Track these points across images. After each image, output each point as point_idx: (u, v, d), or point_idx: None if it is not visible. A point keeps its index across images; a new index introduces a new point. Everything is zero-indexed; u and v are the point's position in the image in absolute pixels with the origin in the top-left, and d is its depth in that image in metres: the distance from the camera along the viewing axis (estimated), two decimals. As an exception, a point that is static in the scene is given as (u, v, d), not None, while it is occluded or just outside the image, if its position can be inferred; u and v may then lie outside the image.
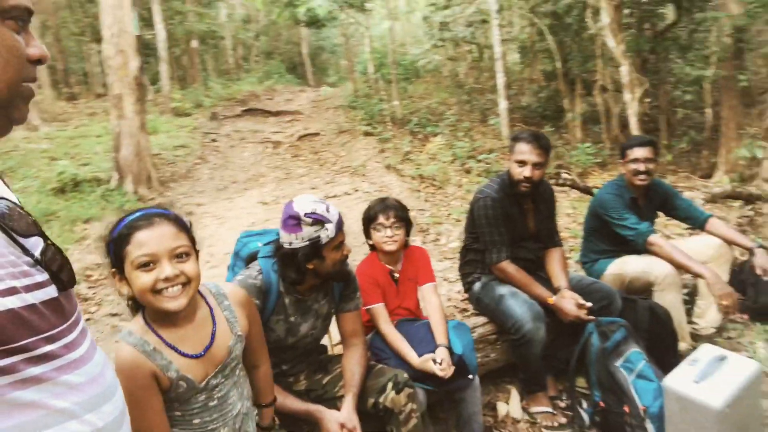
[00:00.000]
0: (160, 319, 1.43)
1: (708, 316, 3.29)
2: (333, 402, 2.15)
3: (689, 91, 8.33)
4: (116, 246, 1.35)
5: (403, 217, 2.64)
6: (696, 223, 3.33)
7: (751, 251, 3.16)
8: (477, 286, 3.02)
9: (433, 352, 2.42)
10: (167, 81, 13.44)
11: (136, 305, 1.47)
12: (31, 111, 10.80)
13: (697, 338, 3.17)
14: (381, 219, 2.61)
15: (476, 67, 13.46)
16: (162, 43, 13.49)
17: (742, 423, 2.29)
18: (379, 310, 2.53)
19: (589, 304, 2.78)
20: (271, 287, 2.05)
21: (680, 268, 3.02)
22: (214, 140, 10.93)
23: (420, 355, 2.40)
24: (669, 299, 3.00)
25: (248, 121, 12.81)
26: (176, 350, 1.42)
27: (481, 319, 3.01)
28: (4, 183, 0.88)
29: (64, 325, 0.77)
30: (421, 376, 2.35)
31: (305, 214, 1.96)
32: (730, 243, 3.24)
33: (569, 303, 2.77)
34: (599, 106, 9.08)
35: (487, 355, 2.93)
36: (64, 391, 0.74)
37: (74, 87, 17.11)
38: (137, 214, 1.39)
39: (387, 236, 2.60)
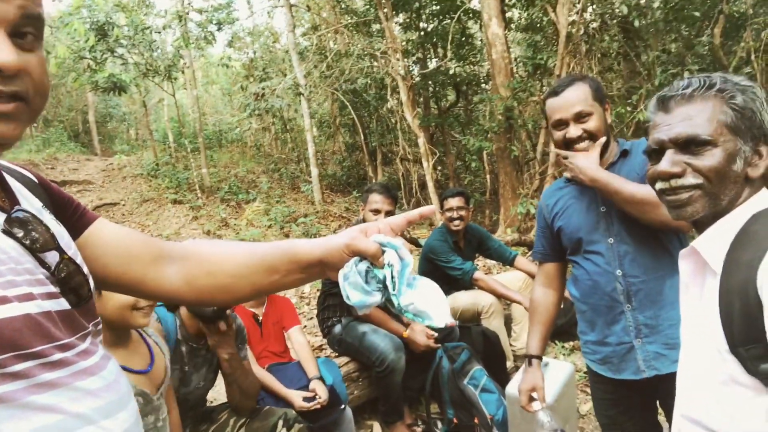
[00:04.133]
0: (108, 340, 1.45)
1: (522, 338, 3.92)
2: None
3: (473, 159, 9.77)
4: None
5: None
6: (506, 260, 4.00)
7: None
8: (338, 328, 3.22)
9: (307, 386, 2.56)
10: None
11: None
12: None
13: (516, 357, 3.75)
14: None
15: (280, 138, 13.98)
16: None
17: (565, 413, 2.82)
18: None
19: (436, 333, 3.16)
20: (169, 335, 2.03)
21: (501, 297, 3.60)
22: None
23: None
24: (495, 324, 3.55)
25: (28, 191, 11.40)
26: (126, 368, 1.45)
27: (343, 360, 3.20)
28: (41, 185, 0.87)
29: (77, 335, 0.75)
30: (299, 413, 2.46)
31: None
32: (532, 276, 3.96)
33: (420, 334, 3.12)
34: (399, 173, 10.13)
35: (351, 392, 3.10)
36: (80, 396, 0.71)
37: None
38: None
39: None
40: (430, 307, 0.85)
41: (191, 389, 2.14)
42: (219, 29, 10.90)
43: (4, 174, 0.79)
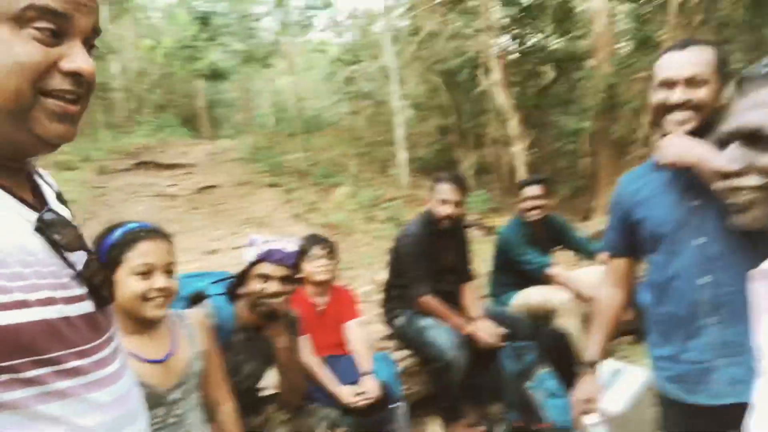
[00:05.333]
0: (126, 327, 1.47)
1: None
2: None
3: (570, 141, 9.24)
4: (114, 250, 1.43)
5: (334, 250, 2.75)
6: (588, 254, 3.70)
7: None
8: (401, 320, 3.14)
9: (357, 381, 2.51)
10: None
11: None
12: None
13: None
14: (315, 250, 2.69)
15: (374, 121, 14.04)
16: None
17: (639, 425, 2.55)
18: (301, 341, 2.57)
19: (503, 331, 2.99)
20: (223, 324, 2.05)
21: (577, 295, 3.33)
22: (104, 195, 10.37)
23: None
24: (569, 324, 3.29)
25: (141, 174, 12.30)
26: (138, 357, 1.45)
27: (404, 353, 3.12)
28: (59, 196, 0.89)
29: (98, 341, 0.76)
30: (350, 409, 2.41)
31: (250, 239, 2.04)
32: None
33: (484, 331, 2.97)
34: (490, 157, 9.80)
35: (410, 387, 3.02)
36: (88, 409, 0.72)
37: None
38: (137, 225, 1.50)
39: (321, 265, 2.68)
40: None
41: (242, 378, 2.16)
42: (317, 14, 11.06)
43: (36, 177, 0.84)
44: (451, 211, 3.05)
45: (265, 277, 2.02)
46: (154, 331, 1.54)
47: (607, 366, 2.71)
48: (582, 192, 8.72)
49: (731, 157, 0.89)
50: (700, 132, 1.48)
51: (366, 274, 5.62)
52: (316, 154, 12.14)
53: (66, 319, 0.71)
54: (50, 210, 0.76)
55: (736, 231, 1.41)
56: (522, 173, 7.92)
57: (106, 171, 12.06)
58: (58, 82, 0.71)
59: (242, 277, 2.07)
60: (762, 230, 1.32)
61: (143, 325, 1.50)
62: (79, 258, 0.77)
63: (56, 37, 0.71)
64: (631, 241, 1.72)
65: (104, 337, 0.79)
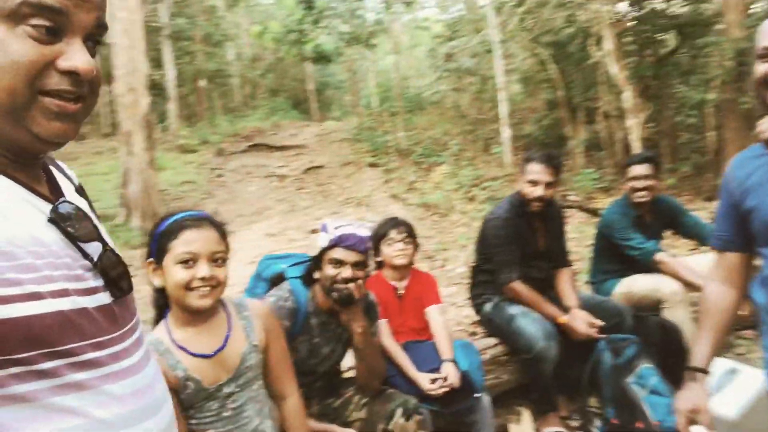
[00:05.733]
0: (180, 318, 1.50)
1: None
2: (343, 426, 2.15)
3: (692, 114, 8.40)
4: (162, 239, 1.46)
5: (413, 234, 2.70)
6: (704, 240, 3.33)
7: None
8: (488, 306, 3.02)
9: (438, 369, 2.44)
10: (175, 119, 13.69)
11: (160, 299, 1.55)
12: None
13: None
14: (392, 234, 2.66)
15: (478, 97, 13.66)
16: (171, 83, 13.79)
17: (756, 433, 2.26)
18: (381, 324, 2.54)
19: (600, 322, 2.77)
20: (300, 307, 2.08)
21: (688, 285, 3.01)
22: (220, 176, 11.06)
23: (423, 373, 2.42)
24: (678, 316, 2.99)
25: (254, 156, 12.96)
26: (185, 350, 1.47)
27: (492, 341, 3.00)
28: (80, 189, 0.90)
29: (116, 333, 0.76)
30: (429, 397, 2.36)
31: (322, 224, 2.04)
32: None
33: (580, 321, 2.77)
34: (602, 132, 9.17)
35: (498, 376, 2.91)
36: (106, 401, 0.72)
37: (82, 127, 17.42)
38: (187, 213, 1.51)
39: (399, 249, 2.64)
40: None
41: (320, 360, 2.18)
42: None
43: (52, 169, 0.84)
44: (542, 192, 2.86)
45: (338, 263, 2.00)
46: (207, 323, 1.52)
47: (721, 365, 2.43)
48: (706, 169, 7.91)
49: None
50: None
51: (461, 255, 5.51)
52: (418, 133, 12.08)
53: (82, 310, 0.70)
54: (65, 201, 0.76)
55: None
56: (637, 149, 7.31)
57: (223, 153, 12.84)
58: (56, 81, 0.69)
59: (317, 262, 2.07)
60: None
61: (194, 316, 1.49)
62: (95, 250, 0.76)
63: (54, 34, 0.69)
64: (742, 232, 1.51)
65: (123, 330, 0.78)
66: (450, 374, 2.40)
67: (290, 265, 2.24)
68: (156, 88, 14.73)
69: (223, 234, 1.52)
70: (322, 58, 10.57)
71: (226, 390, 1.50)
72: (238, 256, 6.01)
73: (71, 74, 0.70)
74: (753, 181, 1.43)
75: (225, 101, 20.22)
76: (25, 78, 0.67)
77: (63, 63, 0.69)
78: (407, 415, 2.09)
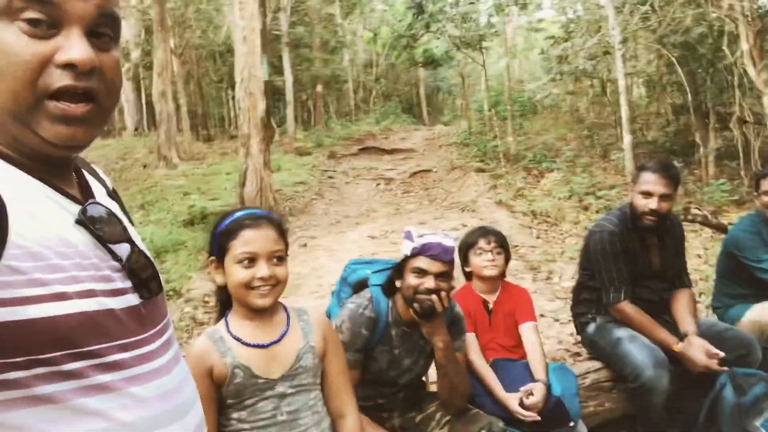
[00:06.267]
0: (240, 313, 1.52)
1: None
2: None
3: None
4: (222, 238, 1.48)
5: (504, 244, 2.56)
6: None
7: None
8: (591, 327, 2.80)
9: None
10: (292, 123, 14.37)
11: (223, 296, 1.58)
12: (171, 150, 11.99)
13: None
14: (481, 243, 2.53)
15: (598, 101, 12.96)
16: (289, 88, 14.48)
17: None
18: (468, 339, 2.42)
19: (722, 354, 2.46)
20: (380, 317, 2.04)
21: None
22: (331, 177, 11.41)
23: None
24: (822, 354, 2.59)
25: (364, 159, 13.27)
26: (239, 340, 1.48)
27: (595, 364, 2.78)
28: (113, 193, 0.91)
29: (143, 335, 0.75)
30: (517, 421, 2.21)
31: (405, 231, 1.99)
32: None
33: (698, 351, 2.47)
34: (736, 140, 8.31)
35: (601, 404, 2.68)
36: (131, 404, 0.71)
37: (211, 129, 18.83)
38: (246, 212, 1.52)
39: (488, 260, 2.51)
40: None
41: (400, 372, 2.12)
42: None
43: (84, 171, 0.84)
44: (656, 205, 2.59)
45: (421, 272, 1.92)
46: (266, 320, 1.53)
47: None
48: None
49: None
50: None
51: (569, 267, 5.21)
52: (530, 138, 11.71)
53: (108, 311, 0.69)
54: (94, 203, 0.75)
55: None
56: (779, 159, 6.55)
57: (335, 156, 13.28)
58: (56, 78, 0.66)
59: (399, 271, 2.01)
60: None
61: (254, 313, 1.50)
62: (124, 251, 0.76)
63: (49, 28, 0.66)
64: None
65: (152, 331, 0.77)
66: (536, 392, 2.24)
67: (374, 272, 2.19)
68: (276, 94, 15.55)
69: (281, 232, 1.51)
70: (431, 62, 10.56)
71: (280, 389, 1.48)
72: (340, 257, 6.14)
73: (70, 68, 0.66)
74: None
75: (339, 106, 20.92)
76: (23, 78, 0.65)
77: (59, 56, 0.66)
78: None
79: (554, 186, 8.24)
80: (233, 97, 13.47)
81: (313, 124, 17.46)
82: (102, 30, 0.70)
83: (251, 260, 1.43)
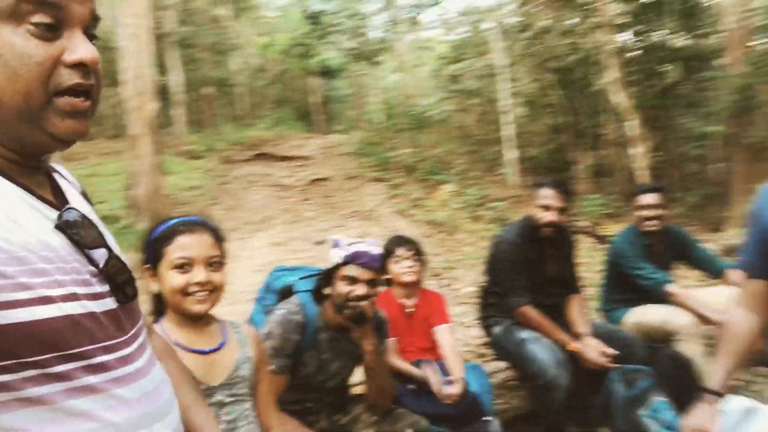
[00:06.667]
0: (177, 321, 1.50)
1: (729, 368, 3.26)
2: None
3: (698, 146, 8.49)
4: (157, 244, 1.45)
5: (420, 252, 2.70)
6: (714, 273, 3.34)
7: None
8: (497, 329, 3.01)
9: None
10: (181, 124, 13.73)
11: (158, 303, 1.55)
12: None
13: (719, 390, 3.13)
14: (400, 251, 2.65)
15: (483, 119, 13.76)
16: (178, 88, 13.85)
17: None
18: (389, 343, 2.53)
19: (613, 352, 2.76)
20: (310, 322, 2.07)
21: (700, 318, 3.01)
22: (226, 183, 11.08)
23: (433, 396, 2.41)
24: (691, 350, 2.98)
25: (259, 165, 12.99)
26: (180, 346, 1.46)
27: (502, 364, 2.99)
28: (84, 194, 0.91)
29: (122, 338, 0.76)
30: (438, 418, 2.34)
31: (333, 239, 2.04)
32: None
33: (592, 350, 2.75)
34: (607, 159, 9.24)
35: (508, 401, 2.89)
36: (116, 405, 0.72)
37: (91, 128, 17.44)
38: (181, 219, 1.49)
39: (407, 266, 2.64)
40: None
41: (328, 376, 2.16)
42: (425, 12, 11.01)
43: (55, 176, 0.85)
44: (554, 218, 2.87)
45: (352, 280, 1.98)
46: (204, 327, 1.53)
47: (738, 403, 2.42)
48: (712, 201, 7.96)
49: None
50: None
51: (469, 274, 5.51)
52: (423, 151, 12.14)
53: (91, 314, 0.71)
54: (71, 208, 0.76)
55: None
56: (644, 177, 7.37)
57: (229, 161, 12.87)
58: (66, 78, 0.70)
59: (327, 278, 2.06)
60: None
61: (191, 319, 1.49)
62: (100, 256, 0.77)
63: (54, 30, 0.69)
64: None
65: (128, 335, 0.78)
66: (456, 386, 2.40)
67: (300, 278, 2.22)
68: (162, 94, 14.81)
69: (218, 238, 1.51)
70: (328, 72, 10.66)
71: (219, 396, 1.48)
72: (243, 264, 6.01)
73: (80, 66, 0.70)
74: None
75: (230, 109, 20.30)
76: (38, 79, 0.68)
77: (69, 57, 0.70)
78: None
79: (449, 197, 8.65)
80: (116, 95, 12.64)
81: (204, 128, 16.82)
82: (91, 31, 0.75)
83: (187, 265, 1.42)
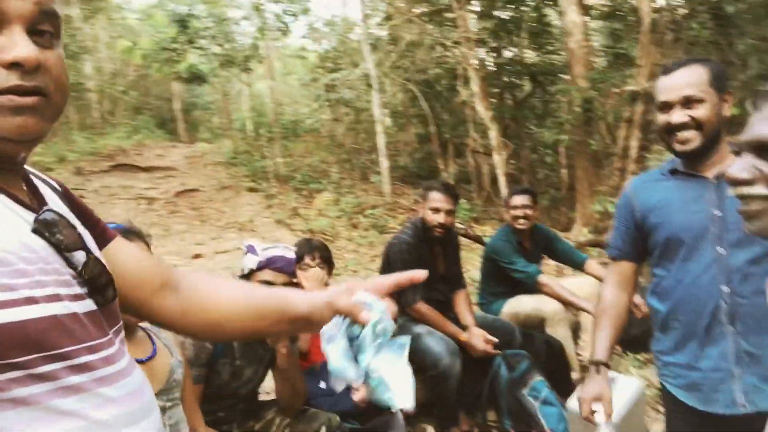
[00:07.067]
0: None
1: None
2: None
3: (548, 153, 9.41)
4: None
5: (327, 257, 2.76)
6: (575, 264, 3.79)
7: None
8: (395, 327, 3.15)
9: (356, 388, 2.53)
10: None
11: None
12: None
13: (583, 368, 3.55)
14: (307, 259, 2.69)
15: (356, 128, 14.07)
16: (19, 93, 12.49)
17: (632, 434, 2.62)
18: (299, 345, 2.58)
19: (496, 339, 3.03)
20: None
21: (567, 304, 3.41)
22: (81, 196, 10.12)
23: (343, 395, 2.49)
24: (560, 333, 3.37)
25: (117, 176, 12.09)
26: None
27: (398, 360, 3.14)
28: (66, 193, 0.89)
29: (103, 339, 0.76)
30: (348, 414, 2.43)
31: (246, 245, 2.05)
32: (604, 281, 3.72)
33: (478, 339, 3.01)
34: (470, 167, 9.91)
35: (405, 394, 3.04)
36: (103, 403, 0.72)
37: None
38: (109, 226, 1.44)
39: (314, 271, 2.69)
40: (396, 383, 0.78)
41: (242, 383, 2.16)
42: (294, 20, 11.07)
43: (32, 177, 0.83)
44: (444, 219, 3.11)
45: (267, 285, 2.01)
46: (132, 337, 1.51)
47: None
48: (561, 203, 8.89)
49: (742, 167, 0.93)
50: (708, 145, 1.56)
51: (352, 280, 5.64)
52: (296, 160, 12.13)
53: (73, 315, 0.71)
54: (49, 210, 0.75)
55: (756, 243, 1.48)
56: (503, 184, 8.04)
57: (82, 172, 11.84)
58: (3, 79, 0.67)
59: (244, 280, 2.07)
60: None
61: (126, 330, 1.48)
62: (80, 258, 0.77)
63: None
64: (638, 245, 1.77)
65: (109, 336, 0.78)
66: (362, 388, 2.50)
67: None
68: None
69: (147, 244, 1.53)
70: (196, 78, 10.28)
71: (160, 403, 1.48)
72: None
73: (16, 67, 0.67)
74: (655, 201, 1.70)
75: (81, 116, 18.66)
76: None
77: (3, 56, 0.67)
78: None
79: (326, 206, 8.74)
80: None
81: (51, 136, 15.30)
82: (43, 27, 0.71)
83: None
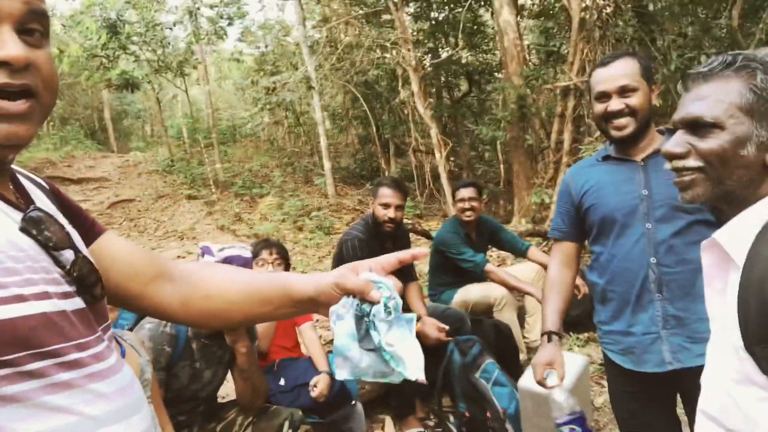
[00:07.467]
0: None
1: (536, 330, 3.86)
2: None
3: (486, 149, 9.68)
4: None
5: (284, 255, 2.77)
6: (519, 252, 3.94)
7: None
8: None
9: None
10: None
11: None
12: None
13: (529, 350, 3.70)
14: (264, 255, 2.70)
15: (293, 131, 13.98)
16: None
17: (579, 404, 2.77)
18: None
19: (447, 327, 3.12)
20: (180, 332, 2.03)
21: (513, 289, 3.55)
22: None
23: (303, 391, 2.52)
24: (507, 317, 3.50)
25: (46, 189, 11.56)
26: None
27: (354, 354, 3.18)
28: (54, 192, 0.88)
29: (92, 336, 0.76)
30: (309, 409, 2.46)
31: (201, 247, 2.04)
32: (546, 267, 3.89)
33: (431, 328, 3.08)
34: (412, 165, 10.06)
35: (362, 386, 3.08)
36: (94, 399, 0.72)
37: None
38: None
39: (269, 271, 2.69)
40: (409, 356, 0.83)
41: (202, 385, 2.15)
42: (230, 24, 10.90)
43: (19, 176, 0.82)
44: (393, 214, 3.17)
45: None
46: None
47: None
48: (500, 197, 9.17)
49: (676, 142, 1.05)
50: (641, 131, 1.71)
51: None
52: (236, 166, 11.95)
53: (62, 312, 0.71)
54: (36, 209, 0.76)
55: (678, 217, 1.64)
56: (445, 180, 8.21)
57: (6, 187, 11.21)
58: None
59: None
60: (702, 210, 1.55)
61: None
62: (68, 256, 0.77)
63: None
64: (578, 225, 1.92)
65: (97, 334, 0.79)
66: (321, 383, 2.53)
67: None
68: None
69: None
70: (128, 84, 9.96)
71: None
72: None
73: (4, 66, 0.67)
74: (590, 185, 1.85)
75: (2, 128, 17.65)
76: None
77: None
78: (295, 428, 2.17)
79: (269, 210, 8.65)
80: None
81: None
82: (32, 26, 0.71)
83: None
